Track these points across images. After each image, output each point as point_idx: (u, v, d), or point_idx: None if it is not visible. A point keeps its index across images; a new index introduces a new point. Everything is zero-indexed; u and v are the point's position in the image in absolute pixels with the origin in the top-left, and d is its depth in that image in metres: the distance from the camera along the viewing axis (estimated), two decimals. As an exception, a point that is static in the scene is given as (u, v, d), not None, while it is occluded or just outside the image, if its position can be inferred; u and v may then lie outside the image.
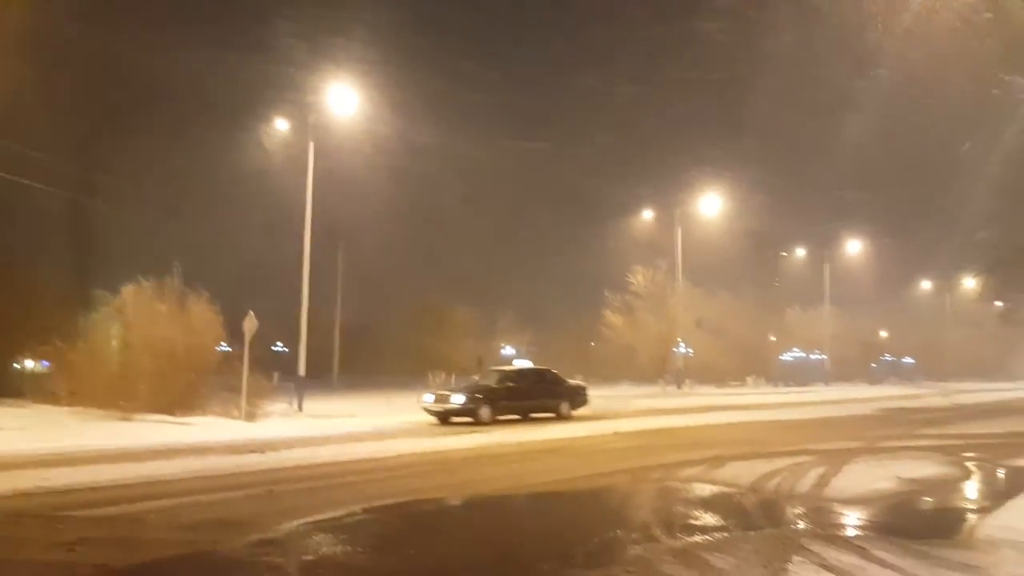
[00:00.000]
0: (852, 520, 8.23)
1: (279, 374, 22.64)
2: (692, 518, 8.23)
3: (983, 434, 17.65)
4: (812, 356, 55.32)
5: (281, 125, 24.73)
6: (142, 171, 34.12)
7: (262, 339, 19.94)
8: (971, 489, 10.58)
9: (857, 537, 7.21)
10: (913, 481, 10.58)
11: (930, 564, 6.18)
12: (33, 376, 24.06)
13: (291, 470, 11.35)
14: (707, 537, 7.18)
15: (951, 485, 10.61)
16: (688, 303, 44.84)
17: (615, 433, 17.06)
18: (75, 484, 9.67)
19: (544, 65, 69.75)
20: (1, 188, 22.37)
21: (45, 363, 23.11)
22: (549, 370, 22.28)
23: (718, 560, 6.25)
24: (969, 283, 63.89)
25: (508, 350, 47.88)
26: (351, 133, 25.95)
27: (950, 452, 13.76)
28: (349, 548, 6.93)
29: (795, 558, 6.27)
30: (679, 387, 40.02)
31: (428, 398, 19.73)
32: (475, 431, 17.15)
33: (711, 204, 42.99)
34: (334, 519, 7.89)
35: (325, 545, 6.97)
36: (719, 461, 12.26)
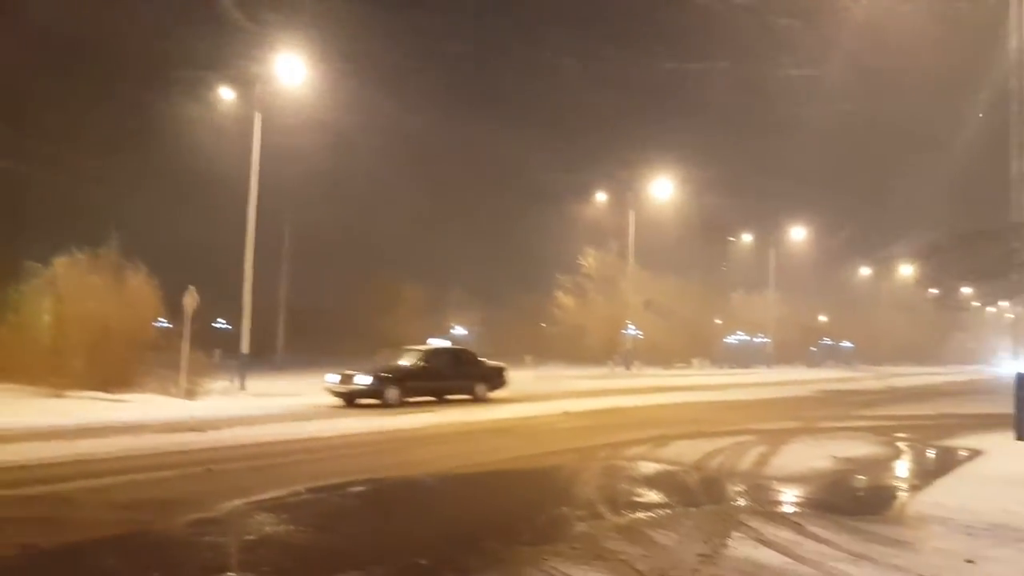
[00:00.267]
0: (790, 497, 8.44)
1: (221, 352, 22.18)
2: (637, 495, 8.33)
3: (915, 416, 18.26)
4: (755, 339, 56.48)
5: (227, 95, 24.04)
6: (77, 137, 32.96)
7: (204, 315, 19.45)
8: (903, 468, 10.92)
9: (794, 513, 7.39)
10: (848, 460, 10.88)
11: (863, 539, 6.35)
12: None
13: (232, 449, 11.13)
14: (651, 514, 7.27)
15: (884, 464, 10.94)
16: (638, 285, 45.31)
17: (565, 413, 17.16)
18: (2, 463, 9.31)
19: (506, 43, 69.43)
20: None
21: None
22: (465, 350, 21.80)
23: (661, 536, 6.33)
24: (906, 270, 65.72)
25: (459, 329, 47.76)
26: (299, 106, 25.42)
27: (884, 433, 14.20)
28: (292, 527, 6.80)
29: (734, 534, 6.39)
30: (627, 368, 40.49)
31: (332, 378, 18.23)
32: (404, 411, 16.34)
33: (662, 188, 43.37)
34: (277, 499, 7.73)
35: (267, 524, 6.83)
36: (664, 440, 12.44)
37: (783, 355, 54.67)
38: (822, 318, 65.06)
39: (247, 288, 22.29)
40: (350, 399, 17.69)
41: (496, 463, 10.58)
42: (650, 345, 46.70)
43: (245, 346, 22.16)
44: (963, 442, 12.72)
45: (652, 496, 8.27)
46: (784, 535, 6.39)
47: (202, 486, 8.45)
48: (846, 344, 67.17)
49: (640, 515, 7.21)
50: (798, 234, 56.89)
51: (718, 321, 57.23)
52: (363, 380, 17.65)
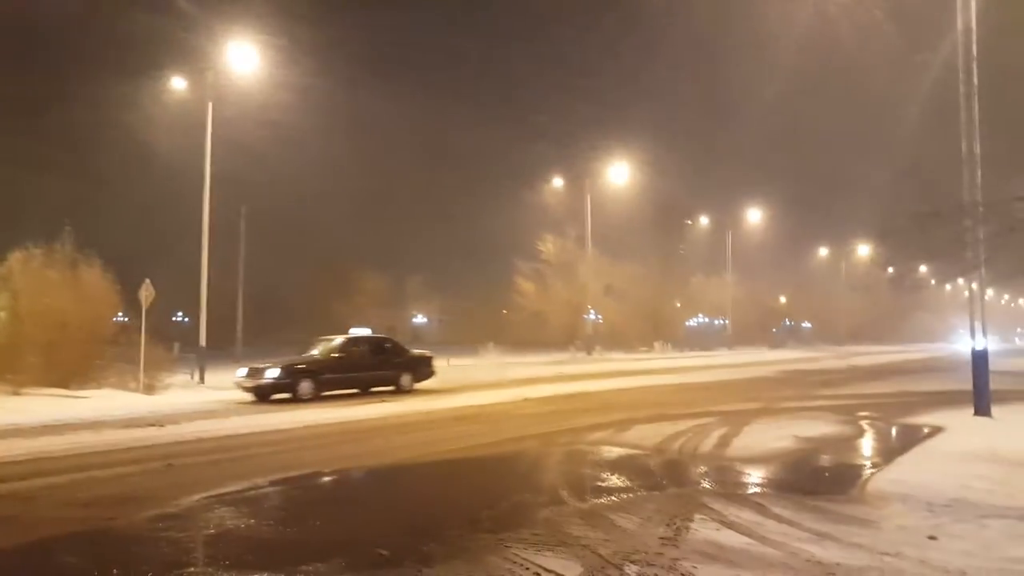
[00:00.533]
0: (752, 478, 8.52)
1: (180, 345, 21.85)
2: (599, 480, 8.36)
3: (875, 394, 18.62)
4: (716, 322, 57.18)
5: (178, 83, 23.50)
6: (28, 130, 32.08)
7: (161, 309, 19.15)
8: (864, 447, 11.09)
9: (756, 494, 7.47)
10: (810, 440, 11.04)
11: (825, 518, 6.44)
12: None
13: (192, 443, 10.98)
14: (613, 498, 7.31)
15: (845, 443, 11.09)
16: (597, 271, 45.52)
17: (525, 400, 17.19)
18: (-45, 463, 9.09)
19: (468, 27, 69.04)
20: None
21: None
22: (388, 338, 21.14)
23: (623, 520, 6.37)
24: (863, 250, 66.85)
25: (420, 318, 47.59)
26: (253, 93, 24.97)
27: (845, 412, 14.45)
28: (253, 521, 6.73)
29: (697, 516, 6.45)
30: (589, 353, 40.70)
31: (241, 372, 17.37)
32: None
33: (619, 173, 43.52)
34: (237, 492, 7.66)
35: (228, 519, 6.75)
36: (626, 424, 12.53)
37: (744, 337, 55.41)
38: (782, 299, 66.07)
39: (203, 281, 21.94)
40: (261, 394, 16.71)
41: (457, 451, 10.54)
42: (611, 330, 47.07)
43: (203, 339, 21.86)
44: (923, 419, 13.02)
45: (614, 480, 8.31)
46: (746, 516, 6.46)
47: (163, 481, 8.33)
48: (806, 325, 68.31)
49: (602, 500, 7.25)
50: (755, 216, 57.53)
51: (678, 304, 57.79)
52: (272, 373, 16.68)
